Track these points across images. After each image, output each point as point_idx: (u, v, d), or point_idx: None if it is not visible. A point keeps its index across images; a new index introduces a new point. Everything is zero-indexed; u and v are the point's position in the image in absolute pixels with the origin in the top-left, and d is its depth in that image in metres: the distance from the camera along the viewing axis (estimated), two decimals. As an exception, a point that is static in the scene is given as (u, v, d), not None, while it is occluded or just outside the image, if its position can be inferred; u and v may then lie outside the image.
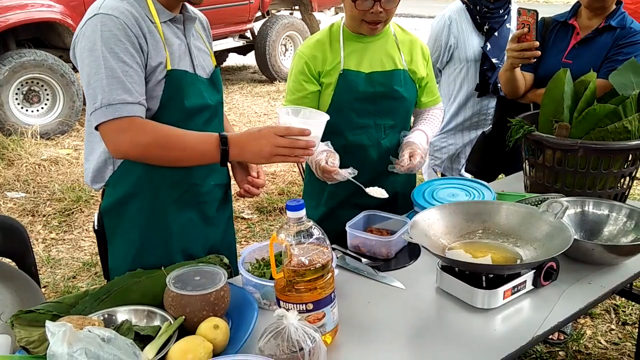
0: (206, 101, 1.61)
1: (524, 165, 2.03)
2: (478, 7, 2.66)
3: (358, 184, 1.76)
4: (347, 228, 1.74)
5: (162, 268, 1.44)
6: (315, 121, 1.50)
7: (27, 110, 5.71)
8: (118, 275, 1.48)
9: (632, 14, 2.28)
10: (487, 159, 2.59)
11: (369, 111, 1.93)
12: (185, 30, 1.60)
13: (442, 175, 2.95)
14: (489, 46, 2.64)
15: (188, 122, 1.54)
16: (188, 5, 1.63)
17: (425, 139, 1.96)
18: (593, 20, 2.18)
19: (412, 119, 2.11)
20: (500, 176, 2.73)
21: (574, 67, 2.05)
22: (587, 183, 1.84)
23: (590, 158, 1.80)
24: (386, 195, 1.77)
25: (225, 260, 1.54)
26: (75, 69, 5.89)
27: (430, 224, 1.61)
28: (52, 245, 3.71)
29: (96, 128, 1.43)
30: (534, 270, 1.47)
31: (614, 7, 2.16)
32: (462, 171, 2.87)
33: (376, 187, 1.78)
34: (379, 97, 1.91)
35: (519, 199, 1.83)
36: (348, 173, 1.75)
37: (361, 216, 1.81)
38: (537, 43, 1.98)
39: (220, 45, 7.51)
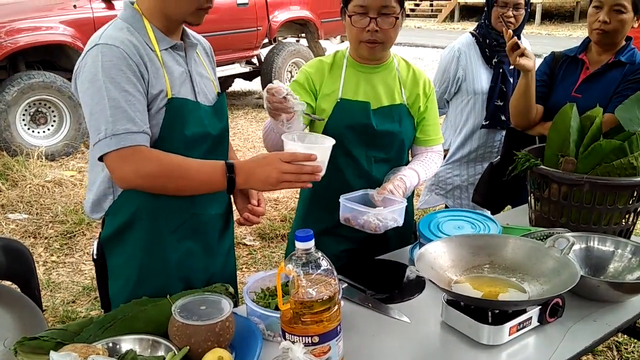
0: (207, 130, 1.59)
1: (529, 198, 2.04)
2: (487, 41, 2.70)
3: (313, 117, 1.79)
4: (341, 200, 1.75)
5: (168, 296, 1.43)
6: (321, 146, 1.50)
7: (33, 131, 5.74)
8: (117, 305, 1.46)
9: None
10: (494, 190, 2.60)
11: (361, 142, 1.92)
12: (187, 56, 1.60)
13: (446, 206, 2.96)
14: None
15: (189, 151, 1.53)
16: (189, 32, 1.64)
17: (416, 177, 1.93)
18: (603, 56, 2.22)
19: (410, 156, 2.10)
20: (506, 208, 2.73)
21: (583, 101, 2.08)
22: (593, 218, 1.84)
23: (596, 193, 1.80)
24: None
25: (231, 289, 1.53)
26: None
27: (436, 257, 1.60)
28: (53, 269, 3.70)
29: (100, 159, 1.43)
30: (540, 307, 1.46)
31: (624, 42, 2.19)
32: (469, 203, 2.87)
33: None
34: (373, 130, 1.90)
35: (525, 232, 1.83)
36: (299, 104, 1.59)
37: (359, 193, 1.82)
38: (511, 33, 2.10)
39: (227, 70, 7.60)
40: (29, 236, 4.08)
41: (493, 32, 2.66)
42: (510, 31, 2.10)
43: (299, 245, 1.23)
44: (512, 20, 2.58)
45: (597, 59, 2.23)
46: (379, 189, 1.83)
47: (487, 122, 2.74)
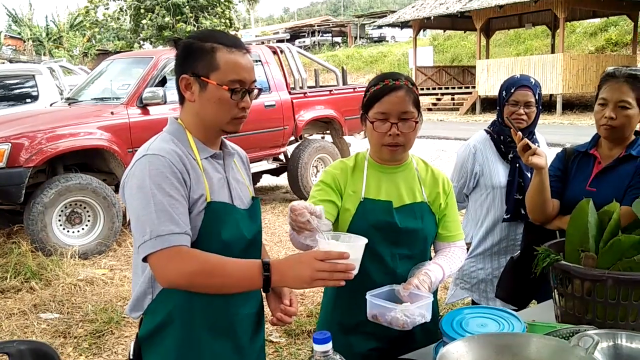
0: (242, 233, 1.69)
1: (553, 294, 2.02)
2: (502, 137, 2.78)
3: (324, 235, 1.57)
4: (367, 296, 1.75)
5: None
6: (354, 244, 1.56)
7: (68, 231, 5.92)
8: None
9: None
10: (518, 285, 2.57)
11: (385, 240, 1.96)
12: (225, 164, 1.74)
13: (473, 302, 2.92)
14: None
15: (225, 252, 1.60)
16: (228, 143, 1.79)
17: (441, 272, 1.95)
18: (613, 150, 2.27)
19: (433, 252, 2.13)
20: (532, 302, 2.69)
21: (598, 194, 2.11)
22: (619, 314, 1.81)
23: (620, 289, 1.78)
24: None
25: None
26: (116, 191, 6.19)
27: (459, 357, 1.58)
28: (81, 369, 3.70)
29: (145, 260, 1.52)
30: (569, 409, 1.42)
31: (633, 137, 2.25)
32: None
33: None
34: (397, 228, 1.95)
35: (550, 330, 1.80)
36: (323, 224, 1.58)
37: (385, 289, 1.82)
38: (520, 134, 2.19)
39: (255, 167, 7.83)
40: (59, 336, 4.11)
41: (506, 129, 2.73)
42: (519, 133, 2.18)
43: (316, 347, 1.26)
44: (524, 117, 2.65)
45: (608, 153, 2.28)
46: (404, 284, 1.84)
47: (508, 216, 2.76)
